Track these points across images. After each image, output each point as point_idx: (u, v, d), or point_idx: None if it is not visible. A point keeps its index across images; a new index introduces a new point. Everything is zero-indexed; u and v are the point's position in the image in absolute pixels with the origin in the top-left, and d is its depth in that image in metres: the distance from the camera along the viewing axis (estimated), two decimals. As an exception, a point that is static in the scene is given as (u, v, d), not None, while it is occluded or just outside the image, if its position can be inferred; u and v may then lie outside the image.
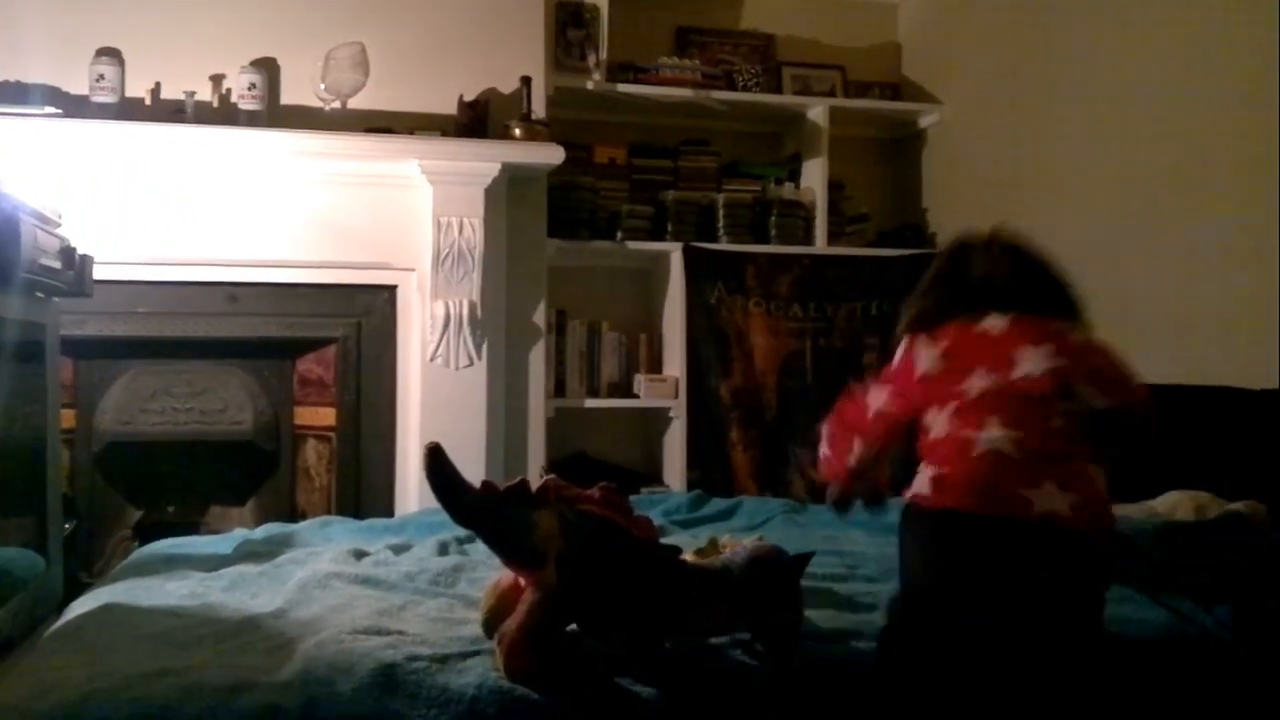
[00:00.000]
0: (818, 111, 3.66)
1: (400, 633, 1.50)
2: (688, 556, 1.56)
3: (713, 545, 1.72)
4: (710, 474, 3.42)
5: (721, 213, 3.55)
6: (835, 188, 3.72)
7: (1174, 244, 2.74)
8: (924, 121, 3.86)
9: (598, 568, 1.36)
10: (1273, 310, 2.46)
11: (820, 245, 3.62)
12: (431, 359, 3.01)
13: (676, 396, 3.45)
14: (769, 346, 3.52)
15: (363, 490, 3.03)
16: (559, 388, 3.40)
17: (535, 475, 3.24)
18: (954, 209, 3.72)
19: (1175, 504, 2.20)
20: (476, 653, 1.42)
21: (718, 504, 2.68)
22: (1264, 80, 2.49)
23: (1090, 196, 3.04)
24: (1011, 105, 3.41)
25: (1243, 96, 2.54)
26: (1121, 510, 1.94)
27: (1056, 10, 3.17)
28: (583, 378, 3.48)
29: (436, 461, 1.34)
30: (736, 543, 1.67)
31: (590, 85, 3.40)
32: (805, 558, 1.55)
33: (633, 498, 2.77)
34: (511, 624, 1.36)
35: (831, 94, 3.80)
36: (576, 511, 1.40)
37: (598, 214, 3.45)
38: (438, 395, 2.99)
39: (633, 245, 3.43)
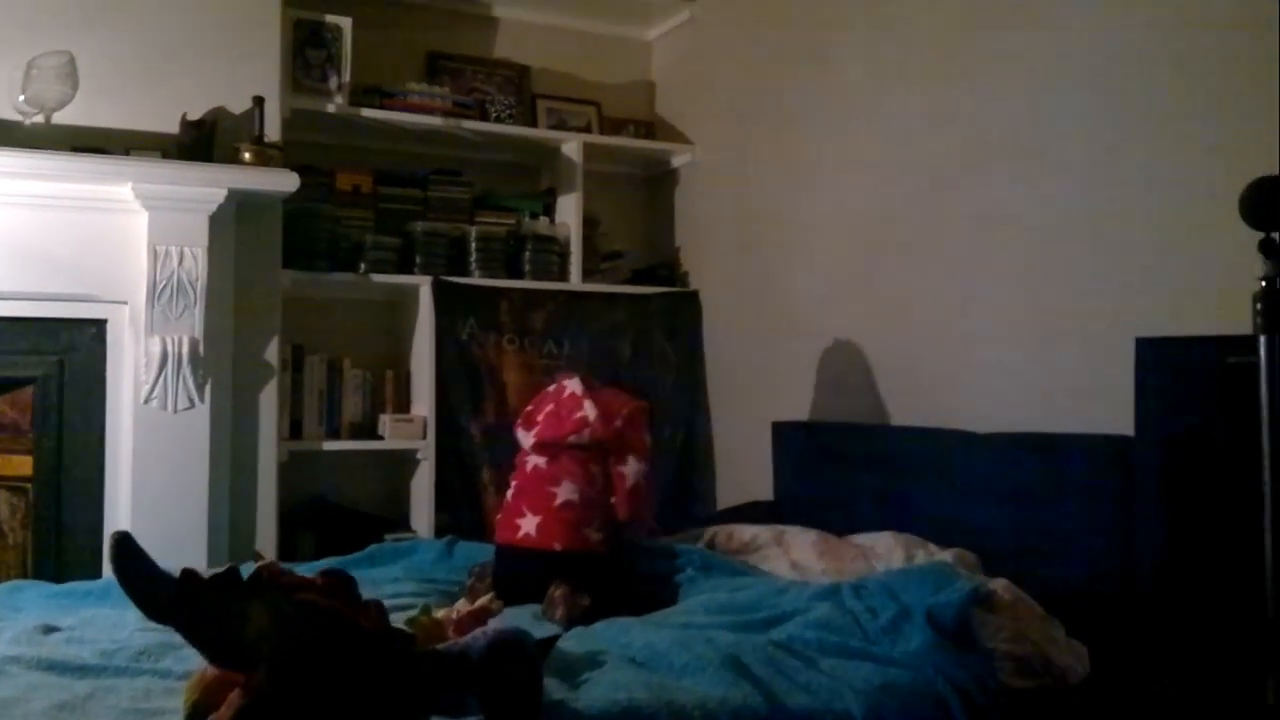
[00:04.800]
0: (572, 147, 3.66)
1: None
2: (402, 623, 1.50)
3: (426, 612, 1.62)
4: (460, 517, 3.33)
5: (474, 245, 3.50)
6: (590, 224, 3.74)
7: (903, 279, 2.85)
8: (676, 161, 3.91)
9: (317, 668, 1.25)
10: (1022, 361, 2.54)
11: (575, 281, 3.62)
12: (146, 401, 2.81)
13: (425, 437, 3.35)
14: (522, 384, 3.45)
15: (64, 549, 2.79)
16: (295, 429, 3.25)
17: (270, 529, 3.05)
18: (704, 249, 3.79)
19: (889, 549, 2.32)
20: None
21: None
22: (1004, 128, 2.57)
23: (836, 240, 3.11)
24: (759, 147, 3.46)
25: (995, 142, 2.60)
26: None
27: (807, 54, 3.23)
28: (322, 418, 3.34)
29: (124, 551, 1.21)
30: (450, 613, 1.56)
31: (331, 109, 3.28)
32: (550, 641, 1.53)
33: (374, 548, 2.74)
34: (214, 731, 1.23)
35: (587, 129, 3.82)
36: (294, 602, 1.27)
37: (339, 244, 3.33)
38: (153, 441, 2.81)
39: (378, 278, 3.33)
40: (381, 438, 3.37)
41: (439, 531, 3.25)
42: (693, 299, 3.78)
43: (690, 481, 3.61)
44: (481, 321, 3.44)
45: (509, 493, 2.42)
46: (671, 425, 3.59)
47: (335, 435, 3.34)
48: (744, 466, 3.46)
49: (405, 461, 3.46)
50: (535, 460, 2.37)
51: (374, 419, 3.43)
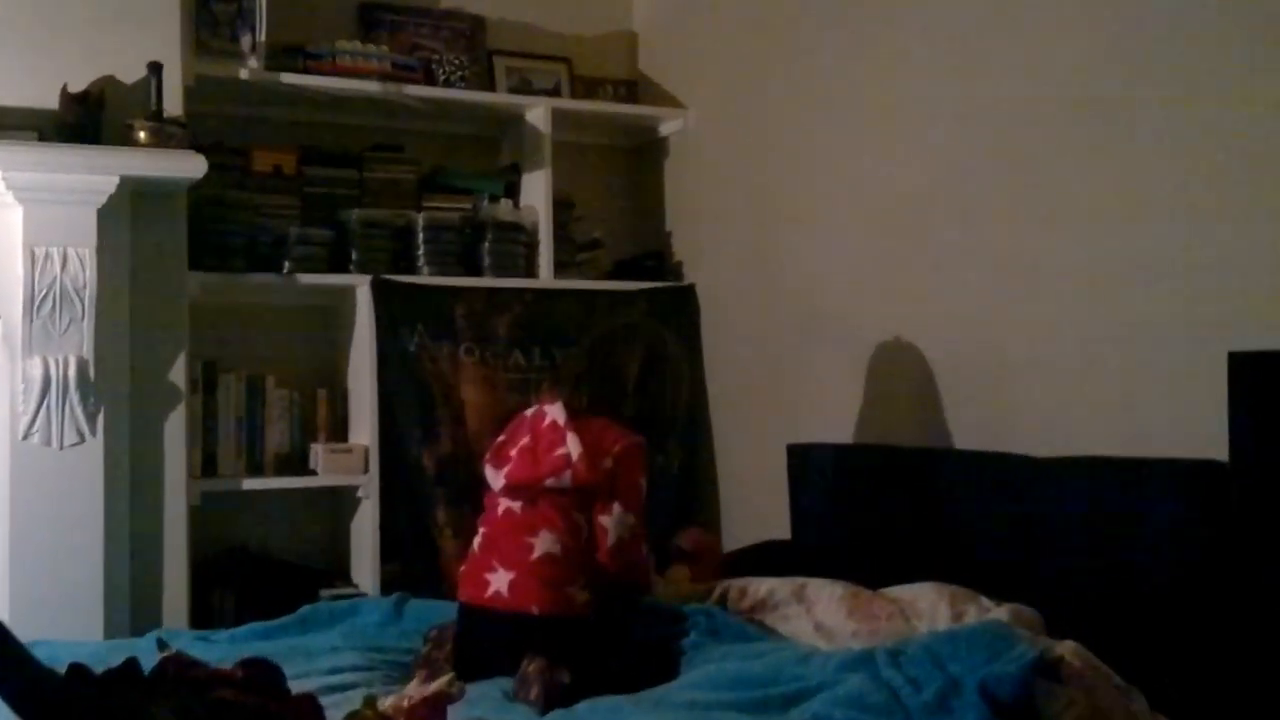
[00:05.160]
0: (538, 113, 3.66)
1: None
2: None
3: (370, 705, 1.66)
4: (412, 567, 3.36)
5: (421, 237, 3.51)
6: (563, 206, 3.75)
7: (949, 271, 2.84)
8: (665, 128, 3.92)
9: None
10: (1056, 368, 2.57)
11: (545, 278, 3.63)
12: (25, 436, 2.82)
13: (366, 470, 3.36)
14: (484, 403, 3.48)
15: (-74, 616, 2.72)
16: (208, 465, 3.27)
17: (181, 588, 3.05)
18: (701, 235, 3.81)
19: (933, 605, 2.31)
20: None
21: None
22: (1040, 86, 2.59)
23: (865, 224, 3.12)
24: (766, 109, 3.47)
25: (1059, 102, 2.60)
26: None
27: None
28: (240, 450, 3.35)
29: (-7, 645, 1.15)
30: (401, 701, 1.63)
31: (245, 74, 3.27)
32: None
33: (308, 609, 2.77)
34: None
35: (555, 92, 3.82)
36: (208, 703, 1.26)
37: (258, 239, 3.33)
38: (34, 484, 2.82)
39: (306, 279, 3.33)
40: (314, 473, 3.37)
41: (386, 586, 3.27)
42: (688, 295, 3.79)
43: (690, 515, 3.61)
44: (433, 329, 3.45)
45: (476, 542, 2.43)
46: (670, 445, 3.59)
47: (257, 471, 3.34)
48: (753, 498, 3.48)
49: (344, 501, 3.47)
50: (507, 504, 2.38)
51: (304, 450, 3.44)
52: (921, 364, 2.91)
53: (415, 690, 1.62)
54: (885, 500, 2.86)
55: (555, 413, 2.42)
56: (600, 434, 2.38)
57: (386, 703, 1.63)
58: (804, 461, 3.16)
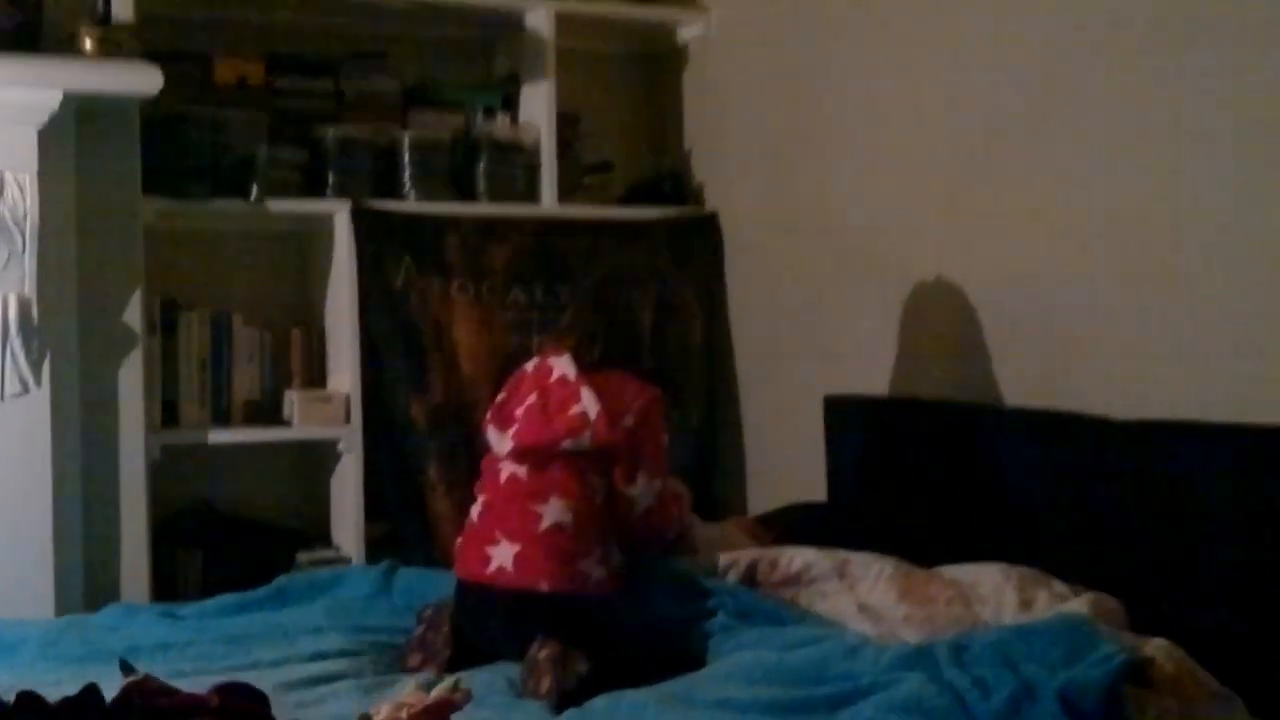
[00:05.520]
0: (539, 16, 3.60)
1: None
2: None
3: None
4: (401, 528, 3.39)
5: (408, 158, 3.47)
6: (568, 123, 3.70)
7: (1040, 218, 2.80)
8: (685, 33, 3.88)
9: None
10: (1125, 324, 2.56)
11: (548, 204, 3.60)
12: None
13: (348, 421, 3.34)
14: (481, 346, 3.48)
15: None
16: (169, 415, 3.25)
17: (141, 553, 3.05)
18: (725, 155, 3.77)
19: (997, 589, 2.27)
20: None
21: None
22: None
23: (918, 144, 3.07)
24: (802, 10, 3.45)
25: (1088, 26, 2.61)
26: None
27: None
28: (205, 398, 3.33)
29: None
30: (399, 712, 1.59)
31: None
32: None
33: (284, 580, 2.81)
34: None
35: (560, -9, 3.74)
36: None
37: (221, 160, 3.26)
38: None
39: (277, 206, 3.29)
40: (288, 423, 3.36)
41: (372, 549, 3.31)
42: (709, 225, 3.77)
43: (711, 477, 3.63)
44: (421, 262, 3.43)
45: (474, 511, 2.43)
46: (687, 400, 3.59)
47: (224, 421, 3.33)
48: (785, 457, 3.48)
49: (323, 455, 3.46)
50: (512, 469, 2.38)
51: (277, 397, 3.42)
52: (982, 308, 2.90)
53: (414, 698, 1.58)
54: (934, 461, 2.86)
55: (563, 366, 2.41)
56: (618, 389, 2.38)
57: (381, 715, 1.56)
58: (843, 415, 3.17)
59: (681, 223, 3.73)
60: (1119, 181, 2.59)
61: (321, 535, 3.47)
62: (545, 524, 2.29)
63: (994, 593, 2.28)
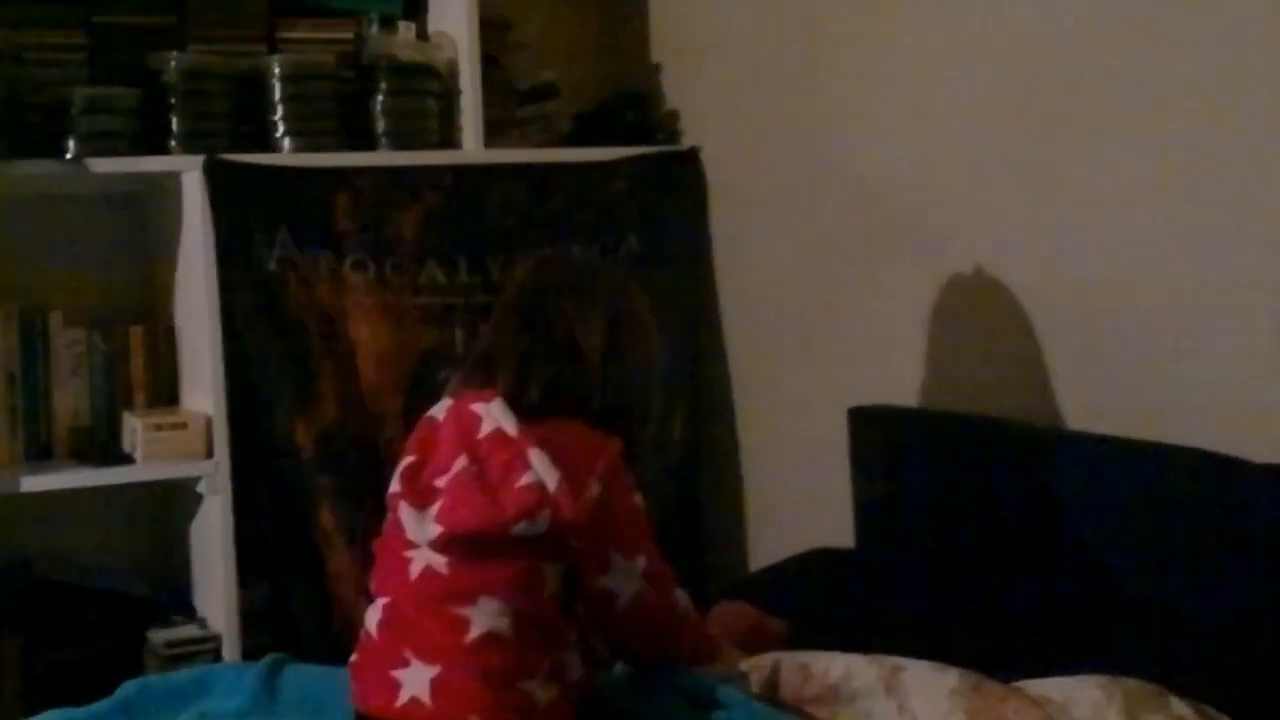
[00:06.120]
0: None
1: None
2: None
3: None
4: (287, 594, 3.32)
5: (279, 91, 3.37)
6: (495, 33, 3.62)
7: (1131, 184, 2.69)
8: None
9: None
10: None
11: (472, 148, 3.52)
12: None
13: (210, 454, 3.23)
14: (387, 345, 3.39)
15: None
16: None
17: None
18: (707, 73, 3.71)
19: (1098, 711, 2.17)
20: None
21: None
22: None
23: (969, 76, 2.97)
24: None
25: None
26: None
27: None
28: (15, 427, 3.25)
29: None
30: None
31: None
32: None
33: (134, 687, 2.52)
34: None
35: None
36: None
37: (24, 105, 3.19)
38: None
39: (103, 165, 3.17)
40: (130, 459, 3.25)
41: (249, 624, 3.23)
42: (687, 166, 3.68)
43: (696, 516, 3.61)
44: (302, 234, 3.32)
45: (372, 616, 2.25)
46: (662, 406, 3.43)
47: (44, 457, 3.27)
48: (796, 488, 3.41)
49: (178, 499, 3.41)
50: (428, 559, 2.19)
51: (114, 423, 3.34)
52: (1057, 304, 2.84)
53: None
54: (994, 495, 2.80)
55: (496, 416, 2.20)
56: (570, 446, 2.19)
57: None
58: (873, 432, 3.09)
59: (652, 163, 3.63)
60: (1216, 176, 2.52)
61: (181, 604, 3.41)
62: (474, 634, 2.09)
63: (1093, 715, 2.14)
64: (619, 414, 2.31)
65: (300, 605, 3.27)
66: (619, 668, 2.30)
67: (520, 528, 2.10)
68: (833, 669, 2.33)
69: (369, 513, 3.12)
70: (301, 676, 2.55)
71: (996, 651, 2.35)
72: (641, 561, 2.21)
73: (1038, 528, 2.71)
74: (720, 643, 2.41)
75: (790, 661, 2.38)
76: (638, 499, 2.27)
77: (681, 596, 2.33)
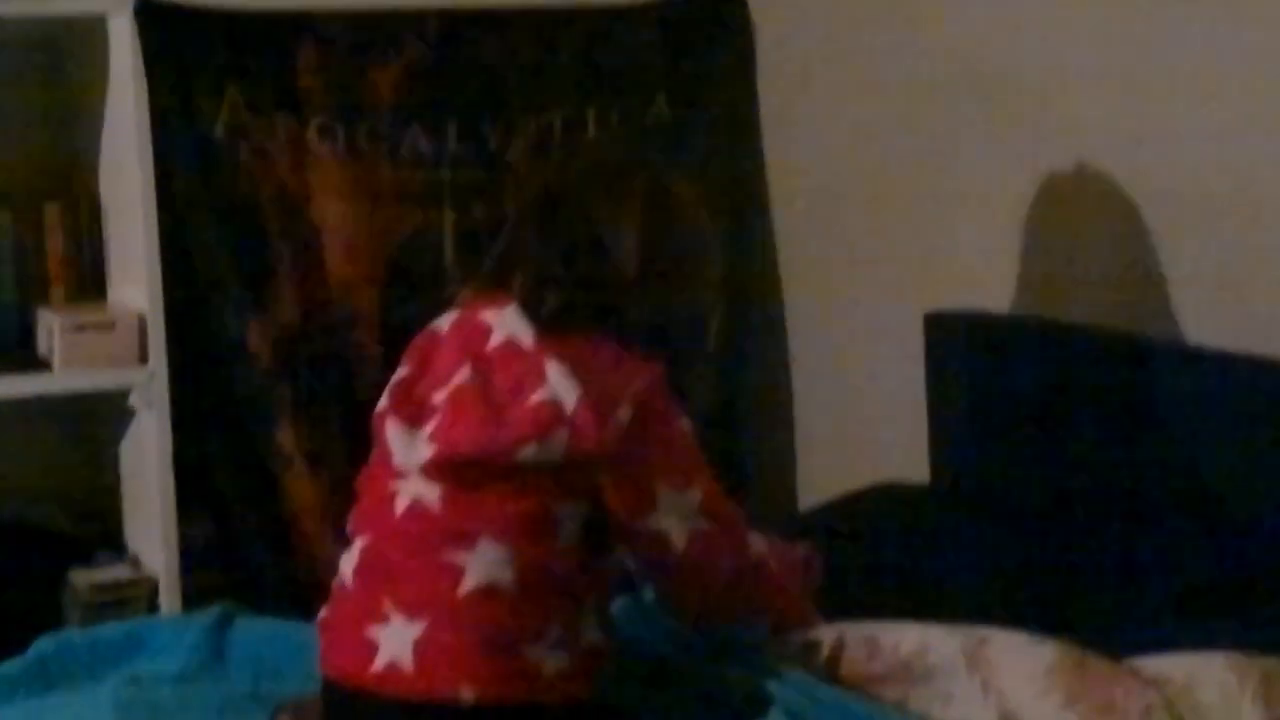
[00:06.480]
0: None
1: None
2: None
3: None
4: (237, 527, 3.32)
5: None
6: None
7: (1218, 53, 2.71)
8: None
9: None
10: None
11: None
12: None
13: (144, 360, 3.18)
14: (359, 228, 3.36)
15: None
16: None
17: None
18: None
19: (1224, 693, 2.13)
20: None
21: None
22: None
23: None
24: None
25: None
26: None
27: None
28: None
29: None
30: None
31: None
32: None
33: (50, 645, 2.47)
34: None
35: None
36: None
37: None
38: None
39: (12, 6, 3.09)
40: (45, 364, 3.21)
41: (191, 563, 3.21)
42: (731, 10, 3.58)
43: (735, 434, 3.59)
44: (257, 94, 3.29)
45: (348, 561, 2.19)
46: (695, 380, 3.52)
47: None
48: (855, 404, 3.43)
49: (106, 413, 3.39)
50: (418, 491, 2.10)
51: (27, 321, 3.30)
52: (1179, 193, 2.78)
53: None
54: (1101, 420, 2.78)
55: (511, 325, 2.14)
56: (598, 366, 2.11)
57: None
58: (954, 343, 3.10)
59: (685, 9, 3.54)
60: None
61: (109, 541, 3.38)
62: (469, 585, 2.02)
63: (1222, 701, 2.08)
64: (662, 335, 2.22)
65: (252, 542, 3.27)
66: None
67: (528, 452, 2.01)
68: (904, 642, 2.26)
69: (337, 432, 3.30)
70: (255, 632, 2.50)
71: (1104, 616, 2.36)
72: (696, 494, 2.11)
73: (1154, 461, 2.70)
74: (810, 605, 2.35)
75: (855, 634, 2.30)
76: (685, 424, 2.17)
77: (757, 540, 2.24)
